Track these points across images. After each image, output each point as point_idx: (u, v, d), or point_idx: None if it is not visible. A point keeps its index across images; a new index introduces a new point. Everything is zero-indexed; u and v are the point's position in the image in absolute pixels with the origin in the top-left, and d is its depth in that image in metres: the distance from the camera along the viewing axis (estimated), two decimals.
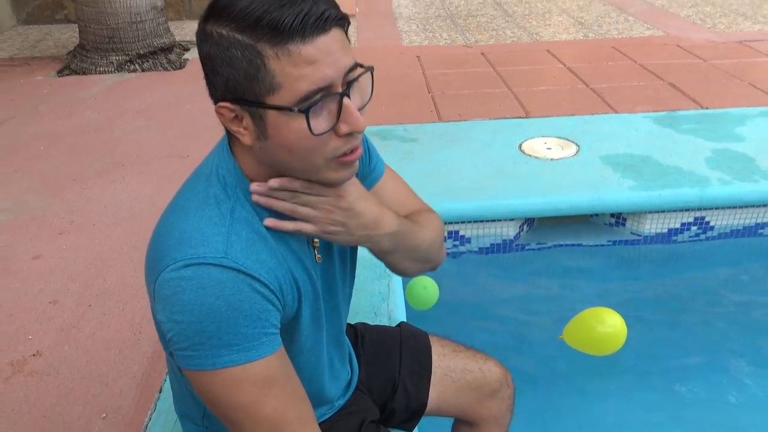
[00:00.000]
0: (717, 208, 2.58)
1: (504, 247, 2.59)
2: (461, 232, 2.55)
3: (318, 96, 0.77)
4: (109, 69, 4.30)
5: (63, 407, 1.62)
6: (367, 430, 1.16)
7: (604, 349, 1.88)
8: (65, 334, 1.88)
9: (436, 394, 1.32)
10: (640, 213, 2.58)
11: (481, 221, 2.53)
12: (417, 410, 1.31)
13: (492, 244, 2.59)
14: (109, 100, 3.84)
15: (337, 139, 0.82)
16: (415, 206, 1.13)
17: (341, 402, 1.19)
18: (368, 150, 1.07)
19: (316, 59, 0.76)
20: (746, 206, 2.58)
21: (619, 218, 2.64)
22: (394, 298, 1.92)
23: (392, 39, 5.02)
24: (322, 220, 0.90)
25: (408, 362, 1.31)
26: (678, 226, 2.61)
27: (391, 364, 1.31)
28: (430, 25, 5.42)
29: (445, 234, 2.49)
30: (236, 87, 0.78)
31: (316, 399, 1.05)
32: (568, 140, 2.98)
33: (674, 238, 2.62)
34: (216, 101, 0.83)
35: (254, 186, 0.87)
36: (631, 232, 2.63)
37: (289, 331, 0.94)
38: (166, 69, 4.39)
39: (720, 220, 2.62)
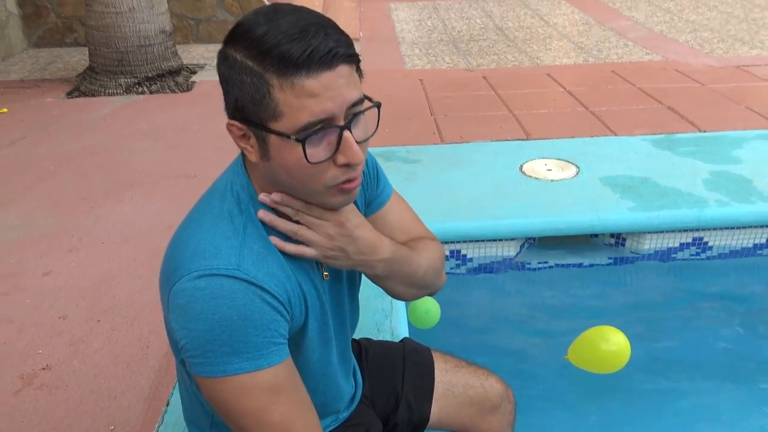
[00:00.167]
0: (715, 229, 2.62)
1: (505, 266, 2.63)
2: (463, 252, 2.59)
3: (318, 127, 0.82)
4: (118, 91, 4.39)
5: (72, 420, 1.65)
6: None
7: (609, 367, 1.89)
8: (74, 349, 1.92)
9: (438, 408, 1.34)
10: (639, 233, 2.62)
11: (483, 241, 2.57)
12: (419, 424, 1.34)
13: (493, 263, 2.62)
14: (118, 122, 3.92)
15: (336, 169, 0.86)
16: (418, 233, 1.16)
17: (345, 414, 1.22)
18: (377, 174, 1.11)
19: (318, 93, 0.80)
20: (744, 227, 2.62)
21: (618, 238, 2.68)
22: (396, 315, 1.96)
23: (395, 63, 5.11)
24: (323, 245, 0.94)
25: (411, 377, 1.34)
26: (677, 245, 2.64)
27: (394, 379, 1.34)
28: (433, 50, 5.52)
29: (446, 256, 2.53)
30: (243, 108, 0.84)
31: (321, 410, 1.08)
32: (568, 162, 3.03)
33: (674, 256, 2.66)
34: (228, 117, 0.88)
35: (263, 196, 0.91)
36: (631, 251, 2.66)
37: (296, 343, 0.97)
38: (173, 91, 4.48)
39: (718, 241, 2.65)
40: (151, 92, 4.44)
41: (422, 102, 4.08)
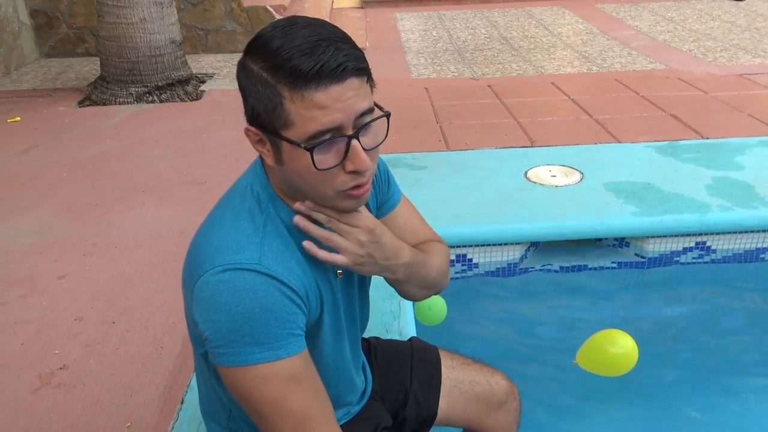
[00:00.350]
0: (718, 233, 2.65)
1: (510, 270, 2.67)
2: (469, 256, 2.63)
3: (327, 136, 0.87)
4: (129, 100, 4.46)
5: (89, 417, 1.70)
6: None
7: (617, 370, 1.92)
8: (90, 349, 1.97)
9: (445, 404, 1.38)
10: (642, 238, 2.66)
11: (488, 245, 2.61)
12: (427, 420, 1.38)
13: (498, 268, 2.67)
14: (129, 129, 3.98)
15: (345, 175, 0.91)
16: (425, 235, 1.22)
17: (356, 409, 1.26)
18: (388, 179, 1.17)
19: (326, 105, 0.85)
20: (747, 231, 2.66)
21: (621, 242, 2.72)
22: (404, 316, 2.00)
23: (401, 72, 5.17)
24: (354, 252, 0.99)
25: (419, 374, 1.39)
26: (680, 249, 2.68)
27: (403, 376, 1.38)
28: (438, 59, 5.58)
29: (452, 258, 2.58)
30: (259, 116, 0.90)
31: (335, 401, 1.12)
32: (573, 168, 3.08)
33: (677, 259, 2.69)
34: (247, 122, 0.94)
35: (298, 205, 0.96)
36: (635, 254, 2.70)
37: (312, 336, 1.02)
38: (183, 100, 4.55)
39: (722, 245, 2.69)
40: (161, 101, 4.51)
41: (428, 110, 4.14)
